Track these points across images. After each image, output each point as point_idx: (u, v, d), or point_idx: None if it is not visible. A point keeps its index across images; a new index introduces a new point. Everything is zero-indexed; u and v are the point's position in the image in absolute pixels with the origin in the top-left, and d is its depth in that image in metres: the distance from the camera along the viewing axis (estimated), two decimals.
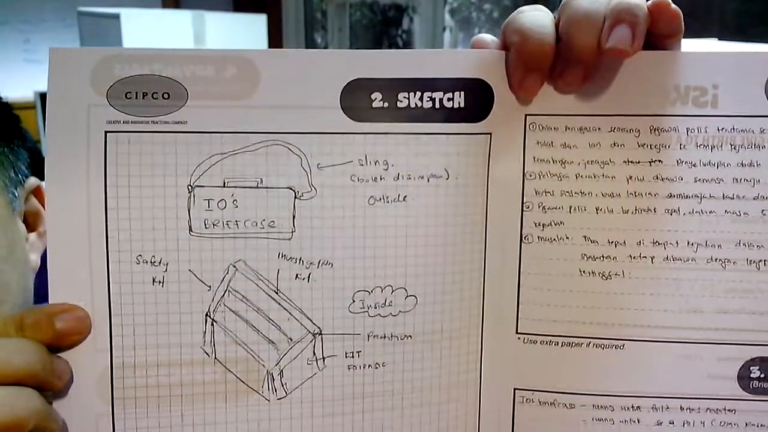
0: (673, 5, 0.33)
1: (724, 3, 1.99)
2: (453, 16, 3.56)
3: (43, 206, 0.54)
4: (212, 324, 0.36)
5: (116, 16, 2.23)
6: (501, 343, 0.38)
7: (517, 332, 0.38)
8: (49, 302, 0.35)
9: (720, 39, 1.12)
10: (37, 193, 0.54)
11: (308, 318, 0.36)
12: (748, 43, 1.05)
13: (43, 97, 2.49)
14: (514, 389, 0.38)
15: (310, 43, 3.21)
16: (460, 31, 3.65)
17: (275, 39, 2.83)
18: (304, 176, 0.35)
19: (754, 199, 0.36)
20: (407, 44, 3.72)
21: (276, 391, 0.37)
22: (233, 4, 3.22)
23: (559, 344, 0.38)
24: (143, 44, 2.21)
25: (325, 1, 3.21)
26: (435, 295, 0.37)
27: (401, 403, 0.38)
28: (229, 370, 0.36)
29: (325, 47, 3.27)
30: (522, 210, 0.37)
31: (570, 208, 0.37)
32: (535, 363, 0.38)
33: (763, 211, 0.36)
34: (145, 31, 2.27)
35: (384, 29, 3.78)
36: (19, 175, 0.50)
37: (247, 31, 2.53)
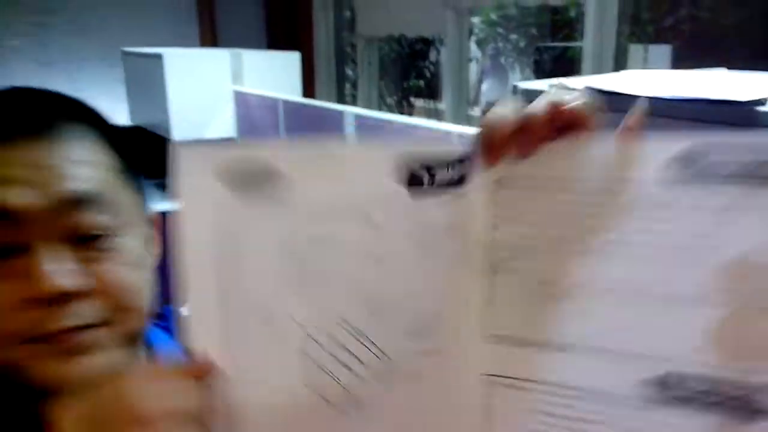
0: (569, 107, 0.43)
1: (734, 32, 2.05)
2: (479, 46, 3.66)
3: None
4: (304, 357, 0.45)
5: (159, 56, 2.35)
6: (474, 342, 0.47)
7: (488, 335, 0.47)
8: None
9: (730, 69, 1.15)
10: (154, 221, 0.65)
11: (379, 349, 0.45)
12: (758, 72, 1.07)
13: None
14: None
15: (341, 77, 3.33)
16: (487, 61, 3.75)
17: (308, 74, 2.94)
18: None
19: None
20: (434, 75, 3.82)
21: (354, 409, 0.45)
22: (267, 42, 3.34)
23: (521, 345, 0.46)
24: (185, 81, 2.33)
25: (354, 36, 3.33)
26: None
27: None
28: (318, 394, 0.45)
29: (356, 81, 3.38)
30: (491, 250, 0.46)
31: (529, 249, 0.45)
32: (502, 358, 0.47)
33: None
34: (187, 70, 2.37)
35: (411, 62, 3.89)
36: (148, 207, 0.61)
37: (282, 67, 2.62)
